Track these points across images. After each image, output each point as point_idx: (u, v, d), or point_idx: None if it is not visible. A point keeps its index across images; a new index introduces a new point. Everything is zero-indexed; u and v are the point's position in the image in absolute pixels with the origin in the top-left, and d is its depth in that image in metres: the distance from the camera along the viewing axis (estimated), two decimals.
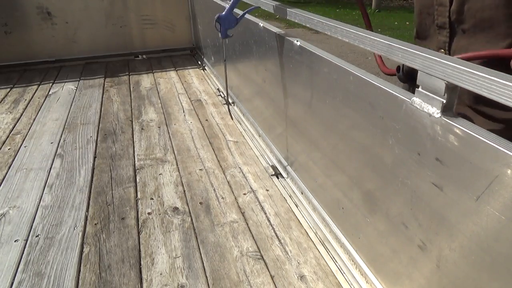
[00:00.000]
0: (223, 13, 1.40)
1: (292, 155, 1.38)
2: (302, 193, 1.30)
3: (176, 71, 2.78)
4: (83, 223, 1.25)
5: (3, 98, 2.34)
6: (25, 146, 1.75)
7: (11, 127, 1.95)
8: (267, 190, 1.39)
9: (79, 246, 1.15)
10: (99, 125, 1.95)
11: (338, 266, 1.05)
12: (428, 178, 0.68)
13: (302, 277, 1.02)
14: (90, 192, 1.41)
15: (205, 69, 2.77)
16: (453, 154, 0.61)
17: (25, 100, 2.30)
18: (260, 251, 1.11)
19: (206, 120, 1.98)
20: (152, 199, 1.36)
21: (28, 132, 1.89)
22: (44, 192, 1.41)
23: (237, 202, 1.33)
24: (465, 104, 0.87)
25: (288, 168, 1.41)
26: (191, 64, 2.90)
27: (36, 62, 2.86)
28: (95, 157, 1.64)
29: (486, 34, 0.80)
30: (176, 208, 1.31)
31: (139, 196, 1.38)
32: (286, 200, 1.33)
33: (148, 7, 2.96)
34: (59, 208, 1.32)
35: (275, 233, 1.18)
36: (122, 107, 2.17)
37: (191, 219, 1.25)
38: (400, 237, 0.79)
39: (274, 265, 1.06)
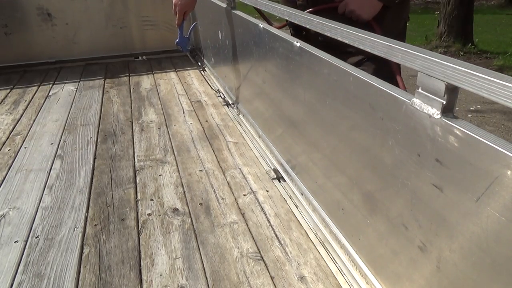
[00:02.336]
0: (177, 39, 1.97)
1: (292, 156, 1.38)
2: (302, 194, 1.30)
3: (176, 72, 2.78)
4: (83, 224, 1.25)
5: (3, 99, 2.34)
6: (25, 147, 1.75)
7: (11, 128, 1.95)
8: (267, 191, 1.39)
9: (79, 247, 1.15)
10: (99, 126, 1.95)
11: (338, 267, 1.05)
12: (428, 179, 0.68)
13: (302, 278, 1.02)
14: (90, 193, 1.41)
15: (205, 70, 2.77)
16: (453, 155, 0.62)
17: (25, 101, 2.30)
18: (260, 252, 1.11)
19: (206, 121, 1.98)
20: (152, 200, 1.36)
21: (28, 133, 1.89)
22: (44, 193, 1.41)
23: (237, 203, 1.33)
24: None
25: (288, 169, 1.41)
26: (191, 65, 2.90)
27: (36, 63, 2.86)
28: (95, 158, 1.64)
29: None
30: (176, 209, 1.31)
31: (139, 197, 1.38)
32: (286, 201, 1.33)
33: (148, 8, 2.97)
34: (59, 209, 1.32)
35: (275, 234, 1.18)
36: (122, 108, 2.17)
37: (191, 220, 1.25)
38: (400, 238, 0.79)
39: (274, 266, 1.06)
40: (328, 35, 0.96)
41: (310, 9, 1.33)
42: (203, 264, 1.08)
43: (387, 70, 1.18)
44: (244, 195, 1.38)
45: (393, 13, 1.33)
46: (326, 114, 1.04)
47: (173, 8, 1.85)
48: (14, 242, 1.18)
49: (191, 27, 2.12)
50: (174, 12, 1.86)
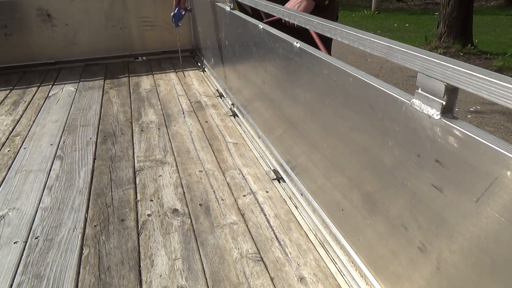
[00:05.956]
0: (175, 11, 2.35)
1: (292, 157, 1.38)
2: (302, 195, 1.30)
3: (176, 72, 2.78)
4: (82, 225, 1.25)
5: (3, 99, 2.34)
6: (24, 148, 1.75)
7: (10, 128, 1.95)
8: (267, 192, 1.39)
9: (78, 248, 1.15)
10: (98, 126, 1.95)
11: (338, 268, 1.05)
12: (428, 179, 0.68)
13: (301, 279, 1.02)
14: (89, 193, 1.41)
15: (205, 71, 2.77)
16: (453, 155, 0.62)
17: (25, 101, 2.30)
18: (259, 253, 1.11)
19: (206, 121, 1.98)
20: (151, 200, 1.36)
21: (27, 133, 1.89)
22: (44, 194, 1.41)
23: (237, 204, 1.33)
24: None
25: (288, 169, 1.41)
26: (191, 66, 2.90)
27: (36, 64, 2.86)
28: (94, 159, 1.64)
29: None
30: (175, 210, 1.31)
31: (138, 197, 1.38)
32: (285, 202, 1.33)
33: (148, 9, 2.97)
34: (59, 210, 1.32)
35: (275, 235, 1.18)
36: (121, 108, 2.17)
37: (191, 221, 1.25)
38: (400, 239, 0.79)
39: (274, 267, 1.06)
40: (328, 35, 0.96)
41: (265, 20, 1.61)
42: (202, 265, 1.08)
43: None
44: (244, 195, 1.38)
45: (325, 13, 1.49)
46: (325, 115, 1.04)
47: None
48: (14, 243, 1.18)
49: (188, 9, 2.46)
50: None
